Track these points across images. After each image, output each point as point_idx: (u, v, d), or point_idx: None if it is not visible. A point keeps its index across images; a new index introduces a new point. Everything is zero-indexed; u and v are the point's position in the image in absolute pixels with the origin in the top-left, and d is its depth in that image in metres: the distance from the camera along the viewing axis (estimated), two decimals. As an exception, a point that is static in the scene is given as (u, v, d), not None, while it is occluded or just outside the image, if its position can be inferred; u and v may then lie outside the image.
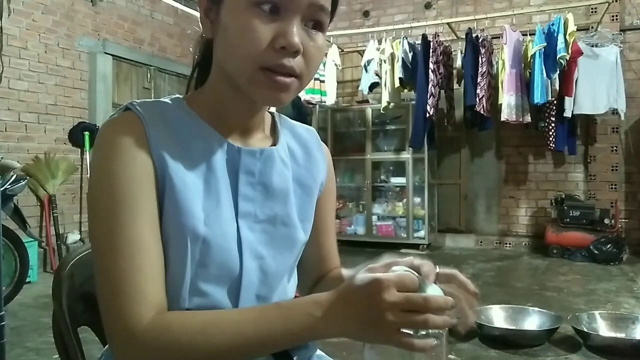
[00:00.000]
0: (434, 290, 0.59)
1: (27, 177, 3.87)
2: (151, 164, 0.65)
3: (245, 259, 0.70)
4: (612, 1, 4.82)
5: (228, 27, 0.65)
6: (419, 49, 5.21)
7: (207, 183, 0.69)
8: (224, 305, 0.69)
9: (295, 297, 0.81)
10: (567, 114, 4.94)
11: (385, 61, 5.34)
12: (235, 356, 0.60)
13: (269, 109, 0.83)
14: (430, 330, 0.57)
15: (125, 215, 0.62)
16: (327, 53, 5.69)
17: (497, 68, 5.07)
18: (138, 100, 0.70)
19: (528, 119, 4.97)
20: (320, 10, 0.65)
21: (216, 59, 0.71)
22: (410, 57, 5.25)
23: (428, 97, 5.05)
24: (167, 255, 0.66)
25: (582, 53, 4.80)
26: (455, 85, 5.41)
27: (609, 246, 4.76)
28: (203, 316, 0.62)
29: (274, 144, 0.78)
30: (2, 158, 3.51)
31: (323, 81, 5.61)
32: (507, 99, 4.87)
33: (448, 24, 5.35)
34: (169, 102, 0.72)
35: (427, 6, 6.12)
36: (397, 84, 5.28)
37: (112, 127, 0.67)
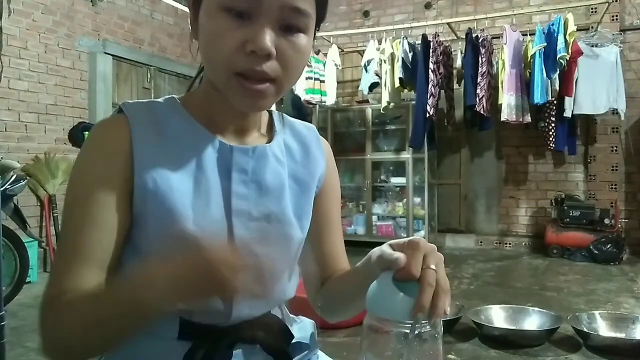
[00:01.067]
0: (414, 293, 0.57)
1: (27, 177, 3.87)
2: (128, 170, 0.66)
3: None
4: (612, 1, 4.81)
5: (203, 30, 0.66)
6: (419, 49, 5.21)
7: (196, 182, 0.69)
8: (218, 305, 0.69)
9: (296, 297, 0.81)
10: (567, 114, 4.94)
11: (385, 61, 5.34)
12: (105, 331, 0.60)
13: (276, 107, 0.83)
14: (423, 331, 0.57)
15: (84, 220, 0.65)
16: (327, 53, 5.70)
17: (497, 68, 5.07)
18: (131, 101, 0.71)
19: (528, 119, 4.97)
20: (295, 13, 0.63)
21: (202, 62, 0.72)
22: (410, 57, 5.24)
23: (428, 97, 5.05)
24: (158, 258, 0.66)
25: (582, 53, 4.80)
26: (455, 85, 5.40)
27: (609, 246, 4.76)
28: (96, 289, 0.63)
29: (269, 141, 0.78)
30: (2, 158, 3.51)
31: (323, 81, 5.61)
32: (507, 99, 4.87)
33: (448, 24, 5.35)
34: (162, 102, 0.73)
35: (427, 6, 6.12)
36: (397, 84, 5.28)
37: (98, 129, 0.69)
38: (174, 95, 0.75)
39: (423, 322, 0.57)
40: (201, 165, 0.70)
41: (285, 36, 0.64)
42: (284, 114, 0.84)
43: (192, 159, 0.70)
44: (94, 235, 0.65)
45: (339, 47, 5.92)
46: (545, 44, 4.71)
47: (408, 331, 0.56)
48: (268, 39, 0.62)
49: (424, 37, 5.21)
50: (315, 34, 0.72)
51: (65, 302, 0.62)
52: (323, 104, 5.72)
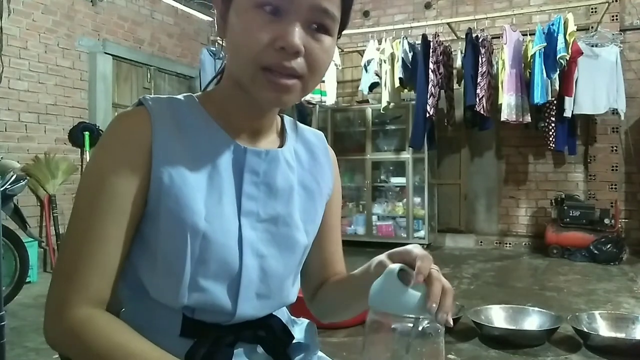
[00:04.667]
0: (419, 290, 0.59)
1: (27, 177, 3.86)
2: (146, 163, 0.67)
3: (246, 256, 0.70)
4: (612, 1, 4.81)
5: (233, 27, 0.67)
6: (419, 49, 5.21)
7: (210, 180, 0.70)
8: (223, 302, 0.70)
9: (299, 297, 0.82)
10: (567, 114, 4.94)
11: (385, 61, 5.34)
12: None
13: (278, 111, 0.83)
14: (426, 327, 0.57)
15: (96, 208, 0.65)
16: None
17: (497, 68, 5.07)
18: (151, 96, 0.72)
19: (528, 119, 4.97)
20: (323, 14, 0.65)
21: (227, 59, 0.72)
22: (410, 57, 5.25)
23: (428, 97, 5.05)
24: (167, 251, 0.67)
25: (582, 53, 4.80)
26: (455, 85, 5.41)
27: (609, 246, 4.75)
28: (120, 337, 0.63)
29: (281, 146, 0.79)
30: (2, 158, 3.52)
31: (323, 81, 5.59)
32: (507, 99, 4.86)
33: (448, 24, 5.35)
34: (182, 99, 0.74)
35: (427, 6, 6.12)
36: (397, 84, 5.28)
37: (120, 121, 0.70)
38: (192, 94, 0.76)
39: (429, 317, 0.58)
40: (216, 164, 0.70)
41: (314, 36, 0.66)
42: (297, 121, 0.86)
43: (208, 157, 0.70)
44: (108, 229, 0.65)
45: (339, 47, 5.92)
46: (545, 44, 4.71)
47: (412, 326, 0.56)
48: (298, 36, 0.63)
49: (424, 37, 5.21)
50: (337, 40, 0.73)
51: (100, 335, 0.63)
52: (323, 104, 5.71)
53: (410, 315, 0.57)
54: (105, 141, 0.69)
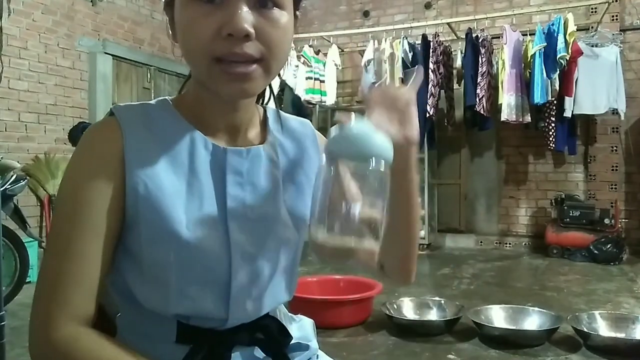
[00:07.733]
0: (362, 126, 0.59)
1: (27, 177, 3.86)
2: (120, 173, 0.65)
3: (235, 260, 0.69)
4: (612, 1, 4.81)
5: (179, 26, 0.65)
6: (419, 49, 5.21)
7: (189, 186, 0.68)
8: (214, 309, 0.68)
9: (295, 297, 0.81)
10: (567, 114, 4.94)
11: (385, 61, 5.34)
12: None
13: (262, 103, 0.81)
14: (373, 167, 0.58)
15: (74, 224, 0.63)
16: (327, 53, 5.70)
17: (497, 68, 5.07)
18: (122, 104, 0.71)
19: (528, 119, 4.97)
20: None
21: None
22: (410, 57, 5.24)
23: (428, 97, 5.05)
24: (152, 261, 0.66)
25: (582, 53, 4.80)
26: (455, 85, 5.40)
27: (609, 246, 4.75)
28: (109, 355, 0.62)
29: (264, 141, 0.76)
30: (2, 158, 3.51)
31: (323, 81, 5.61)
32: (507, 99, 4.87)
33: (448, 24, 5.35)
34: (154, 104, 0.72)
35: (427, 6, 6.11)
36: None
37: (90, 133, 0.69)
38: (167, 97, 0.74)
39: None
40: (194, 168, 0.68)
41: (263, 13, 0.62)
42: (280, 111, 0.82)
43: (185, 161, 0.68)
44: (87, 245, 0.63)
45: (339, 47, 5.91)
46: (545, 44, 4.71)
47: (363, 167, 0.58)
48: (244, 18, 0.60)
49: (424, 37, 5.21)
50: (297, 14, 0.70)
51: (88, 354, 0.62)
52: (323, 104, 5.72)
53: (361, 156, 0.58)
54: (77, 155, 0.67)
